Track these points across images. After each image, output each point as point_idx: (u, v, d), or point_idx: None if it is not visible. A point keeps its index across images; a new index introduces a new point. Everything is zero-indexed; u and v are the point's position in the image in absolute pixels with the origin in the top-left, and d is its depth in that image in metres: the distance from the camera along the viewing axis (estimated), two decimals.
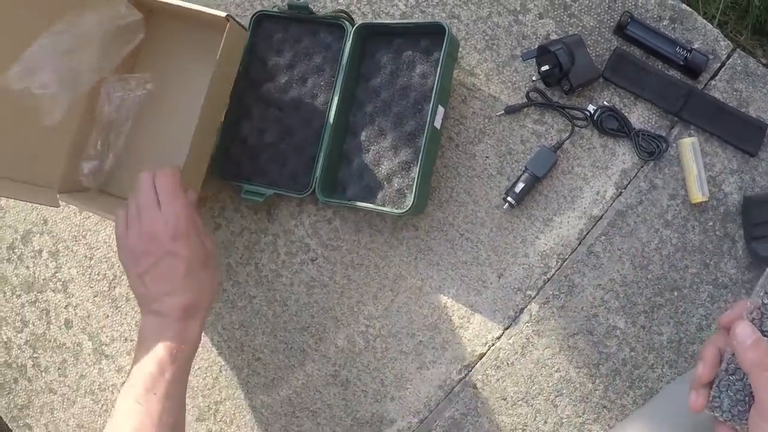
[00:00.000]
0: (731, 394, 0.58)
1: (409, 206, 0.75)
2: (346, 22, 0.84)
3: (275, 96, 0.86)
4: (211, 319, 0.86)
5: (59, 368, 0.92)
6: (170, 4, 0.77)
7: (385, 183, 0.80)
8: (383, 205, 0.79)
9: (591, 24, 0.86)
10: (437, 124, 0.78)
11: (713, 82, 0.86)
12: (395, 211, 0.77)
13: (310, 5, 0.84)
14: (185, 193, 0.71)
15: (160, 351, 0.65)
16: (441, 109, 0.79)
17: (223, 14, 0.74)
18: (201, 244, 0.70)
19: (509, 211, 0.82)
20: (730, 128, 0.85)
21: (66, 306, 0.92)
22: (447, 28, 0.77)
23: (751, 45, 1.12)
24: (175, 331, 0.66)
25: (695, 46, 0.87)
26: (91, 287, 0.91)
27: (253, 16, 0.86)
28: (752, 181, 0.84)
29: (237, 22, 0.78)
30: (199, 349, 0.86)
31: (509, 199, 0.81)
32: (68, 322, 0.92)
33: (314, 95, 0.85)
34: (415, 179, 0.76)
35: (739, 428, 0.59)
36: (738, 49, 0.89)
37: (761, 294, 0.56)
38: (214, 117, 0.81)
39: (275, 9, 0.86)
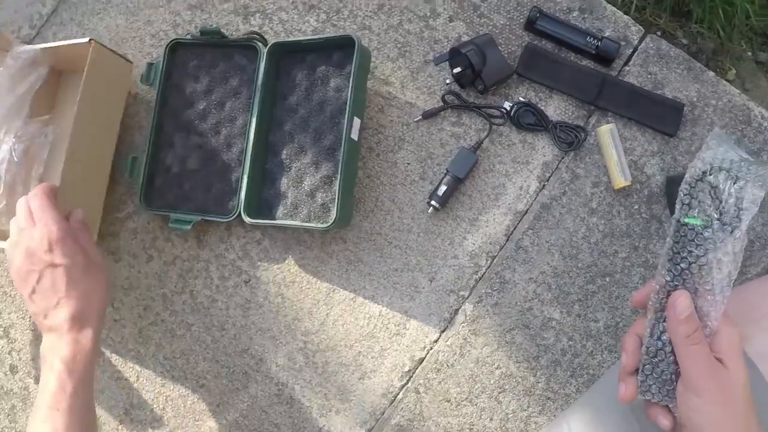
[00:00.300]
0: (656, 376, 0.59)
1: (333, 220, 0.76)
2: (259, 43, 0.85)
3: (195, 123, 0.86)
4: (152, 351, 0.86)
5: (8, 414, 0.92)
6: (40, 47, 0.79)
7: (309, 199, 0.81)
8: (309, 221, 0.80)
9: (501, 22, 0.87)
10: (354, 135, 0.79)
11: (627, 68, 0.87)
12: (320, 225, 0.77)
13: (222, 29, 0.85)
14: (71, 211, 0.73)
15: (57, 366, 0.66)
16: (357, 121, 0.79)
17: (86, 40, 0.77)
18: (79, 251, 0.71)
19: (435, 214, 0.83)
20: (647, 111, 0.86)
21: (9, 351, 0.92)
22: (357, 40, 0.78)
23: (671, 27, 1.13)
24: (68, 343, 0.67)
25: (606, 34, 0.88)
26: (32, 329, 0.91)
27: (167, 45, 0.86)
28: (674, 161, 0.85)
29: (109, 49, 0.80)
30: (144, 381, 0.86)
31: (433, 202, 0.81)
32: (13, 368, 0.92)
33: (233, 118, 0.85)
34: (337, 192, 0.76)
35: (671, 406, 0.60)
36: (651, 34, 0.91)
37: (663, 272, 0.57)
38: (96, 140, 0.82)
39: (188, 36, 0.86)
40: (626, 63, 0.88)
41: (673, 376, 0.58)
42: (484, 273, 0.83)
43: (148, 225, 0.87)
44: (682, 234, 0.55)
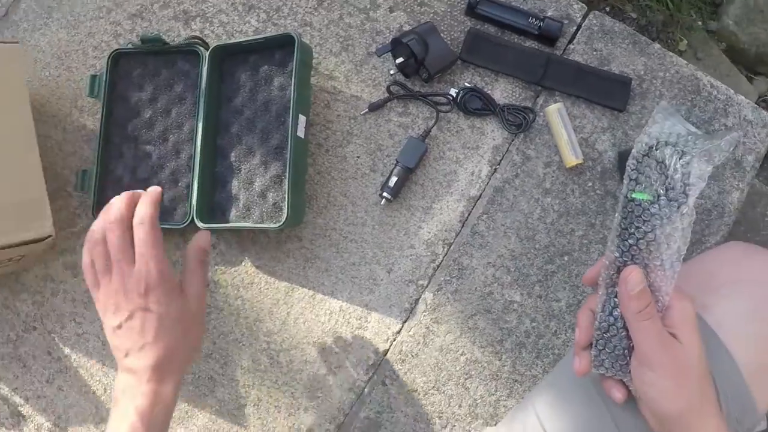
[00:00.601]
0: (609, 351, 0.60)
1: (285, 219, 0.76)
2: (201, 48, 0.84)
3: (143, 132, 0.86)
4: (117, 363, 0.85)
5: None
6: None
7: (260, 200, 0.80)
8: (262, 222, 0.80)
9: (442, 9, 0.87)
10: (301, 133, 0.79)
11: (572, 46, 0.87)
12: (273, 225, 0.77)
13: (163, 36, 0.84)
14: (194, 240, 0.67)
15: (131, 416, 0.61)
16: (303, 118, 0.79)
17: None
18: (176, 299, 0.65)
19: (388, 206, 0.83)
20: (594, 88, 0.86)
21: None
22: (296, 38, 0.77)
23: (619, 2, 1.13)
24: (147, 394, 0.62)
25: (549, 13, 0.88)
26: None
27: (109, 56, 0.86)
28: (624, 136, 0.85)
29: None
30: (111, 396, 0.85)
31: (385, 194, 0.81)
32: None
33: (180, 124, 0.85)
34: (287, 191, 0.76)
35: (626, 380, 0.60)
36: (595, 10, 0.90)
37: (612, 249, 0.57)
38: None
39: (129, 45, 0.86)
40: (570, 41, 0.88)
41: (626, 350, 0.58)
42: (442, 261, 0.83)
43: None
44: (630, 210, 0.55)
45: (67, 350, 0.87)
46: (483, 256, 0.83)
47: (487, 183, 0.84)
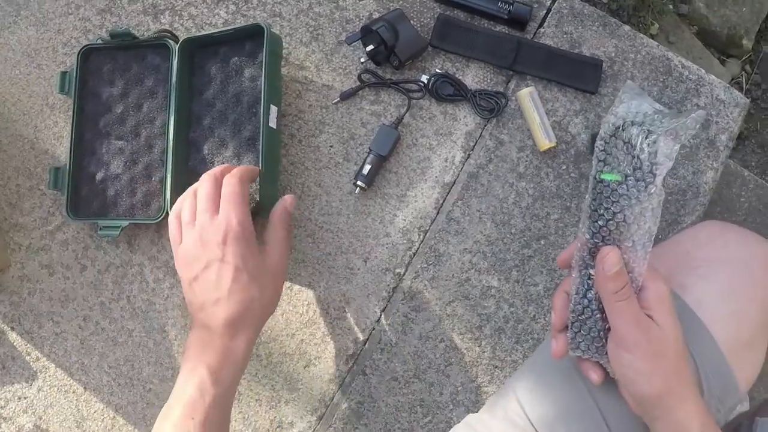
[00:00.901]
0: (584, 333, 0.59)
1: (259, 210, 0.75)
2: (170, 41, 0.84)
3: (115, 127, 0.85)
4: (96, 360, 0.85)
5: None
6: None
7: None
8: None
9: None
10: (272, 124, 0.78)
11: (542, 30, 0.87)
12: None
13: (132, 30, 0.84)
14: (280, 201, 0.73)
15: (201, 371, 0.61)
16: (274, 109, 0.79)
17: None
18: (253, 254, 0.66)
19: (362, 194, 0.83)
20: (566, 71, 0.86)
21: None
22: (265, 28, 0.77)
23: None
24: (219, 349, 0.62)
25: None
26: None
27: (79, 52, 0.85)
28: (597, 118, 0.85)
29: None
30: (91, 392, 0.85)
31: (359, 183, 0.81)
32: None
33: (152, 119, 0.84)
34: (259, 182, 0.76)
35: (603, 362, 0.60)
36: None
37: (584, 230, 0.57)
38: None
39: (99, 41, 0.85)
40: (541, 25, 0.88)
41: (601, 332, 0.58)
42: (418, 248, 0.83)
43: (78, 235, 0.86)
44: (599, 191, 0.55)
45: (45, 349, 0.86)
46: (459, 243, 0.83)
47: (461, 169, 0.83)
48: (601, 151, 0.55)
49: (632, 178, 0.53)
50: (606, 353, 0.59)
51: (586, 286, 0.59)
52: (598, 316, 0.58)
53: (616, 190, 0.54)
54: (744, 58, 1.33)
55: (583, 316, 0.59)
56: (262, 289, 0.66)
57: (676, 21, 1.12)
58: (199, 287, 0.64)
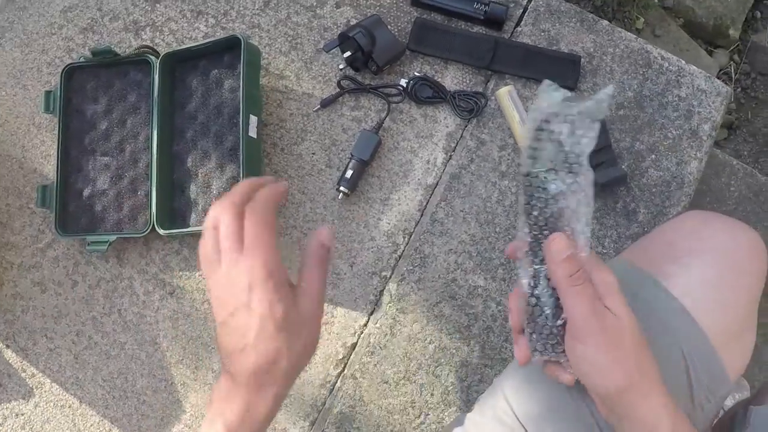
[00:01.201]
0: (538, 332, 0.57)
1: None
2: (151, 56, 0.85)
3: (100, 143, 0.86)
4: (90, 374, 0.86)
5: None
6: None
7: None
8: None
9: (388, 1, 0.87)
10: (252, 133, 0.79)
11: (519, 29, 0.88)
12: None
13: (114, 47, 0.85)
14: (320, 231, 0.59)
15: (218, 429, 0.56)
16: (254, 118, 0.80)
17: None
18: (281, 300, 0.56)
19: (346, 199, 0.83)
20: (544, 68, 0.86)
21: None
22: (242, 39, 0.78)
23: None
24: (240, 404, 0.57)
25: None
26: None
27: (63, 71, 0.86)
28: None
29: None
30: (87, 406, 0.86)
31: (342, 188, 0.82)
32: None
33: (136, 134, 0.85)
34: None
35: (562, 361, 0.58)
36: None
37: (522, 227, 0.56)
38: None
39: (81, 59, 0.87)
40: (518, 24, 0.88)
41: (554, 329, 0.56)
42: (404, 251, 0.83)
43: (68, 251, 0.87)
44: (528, 184, 0.55)
45: (40, 366, 0.87)
46: (444, 243, 0.83)
47: (443, 170, 0.84)
48: (530, 147, 0.55)
49: (558, 164, 0.53)
50: (563, 351, 0.57)
51: (533, 284, 0.57)
52: (548, 312, 0.56)
53: (546, 178, 0.54)
54: (732, 48, 1.32)
55: (534, 315, 0.58)
56: (291, 339, 0.58)
57: (661, 14, 1.12)
58: (226, 333, 0.58)
